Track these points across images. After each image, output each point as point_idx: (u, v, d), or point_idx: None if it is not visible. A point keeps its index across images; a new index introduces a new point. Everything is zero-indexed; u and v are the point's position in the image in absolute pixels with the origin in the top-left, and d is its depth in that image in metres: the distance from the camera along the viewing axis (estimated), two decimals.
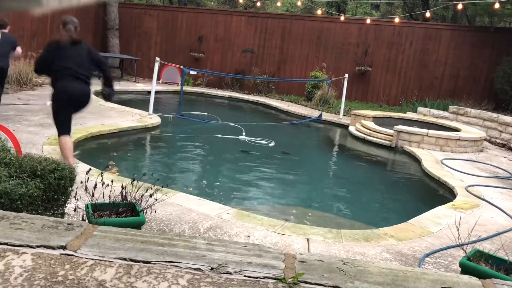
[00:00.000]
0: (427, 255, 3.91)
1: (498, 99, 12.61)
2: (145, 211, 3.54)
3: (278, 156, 8.02)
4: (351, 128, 10.61)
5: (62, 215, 3.47)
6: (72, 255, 1.36)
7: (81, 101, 5.18)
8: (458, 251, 3.91)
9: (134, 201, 3.55)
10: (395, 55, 14.49)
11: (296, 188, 6.40)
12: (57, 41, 5.13)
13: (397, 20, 14.08)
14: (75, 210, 3.68)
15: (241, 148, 8.19)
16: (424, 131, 9.09)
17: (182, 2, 22.44)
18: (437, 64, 14.10)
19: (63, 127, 4.99)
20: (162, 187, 3.83)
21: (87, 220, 3.35)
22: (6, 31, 7.38)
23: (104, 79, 5.51)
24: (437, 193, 6.53)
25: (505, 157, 9.05)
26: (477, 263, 3.25)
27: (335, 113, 12.61)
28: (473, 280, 1.42)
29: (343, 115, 12.21)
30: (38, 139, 6.22)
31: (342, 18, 15.33)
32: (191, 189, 5.56)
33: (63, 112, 5.02)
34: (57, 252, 1.36)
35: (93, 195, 3.45)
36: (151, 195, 3.57)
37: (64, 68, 4.87)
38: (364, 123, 10.23)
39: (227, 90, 15.44)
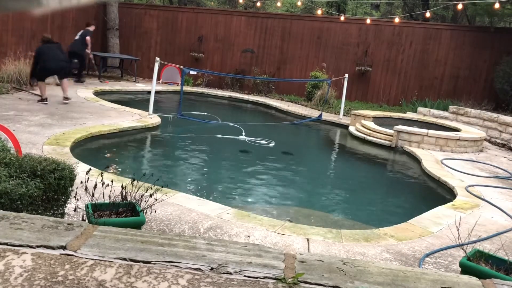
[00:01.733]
0: (427, 255, 3.91)
1: (498, 99, 12.60)
2: (145, 211, 3.54)
3: (278, 156, 8.02)
4: (351, 128, 10.61)
5: (62, 215, 3.47)
6: (72, 255, 1.36)
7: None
8: (458, 251, 3.91)
9: (134, 201, 3.55)
10: (395, 55, 14.49)
11: (296, 188, 6.40)
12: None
13: (397, 20, 14.07)
14: (75, 210, 3.68)
15: (241, 148, 8.18)
16: (424, 131, 9.09)
17: (182, 2, 22.44)
18: (437, 64, 14.10)
19: None
20: (162, 187, 3.81)
21: (87, 220, 3.35)
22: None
23: None
24: (437, 193, 6.53)
25: (505, 157, 9.05)
26: (477, 263, 3.25)
27: (335, 113, 12.61)
28: (473, 280, 1.42)
29: (343, 115, 12.20)
30: (38, 139, 6.22)
31: (342, 18, 15.33)
32: (191, 189, 5.56)
33: None
34: (57, 252, 1.36)
35: (93, 195, 3.44)
36: (151, 195, 3.57)
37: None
38: (364, 123, 10.23)
39: (227, 90, 15.43)
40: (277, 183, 6.44)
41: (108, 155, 6.55)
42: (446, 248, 4.07)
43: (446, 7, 17.74)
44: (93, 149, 6.87)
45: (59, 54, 9.68)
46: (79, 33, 13.05)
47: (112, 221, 3.30)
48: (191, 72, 14.24)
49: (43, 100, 9.40)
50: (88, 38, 12.93)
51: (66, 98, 9.50)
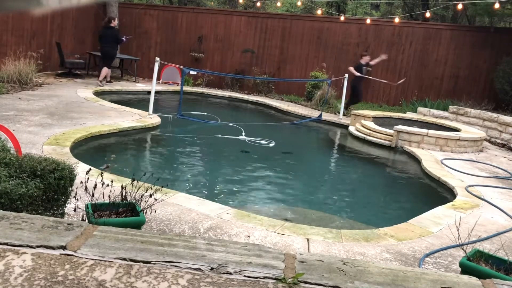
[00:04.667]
0: (427, 255, 3.91)
1: (498, 99, 12.59)
2: (145, 211, 3.53)
3: (278, 156, 8.01)
4: (351, 128, 10.61)
5: (62, 215, 3.47)
6: (72, 255, 1.36)
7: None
8: (458, 251, 3.91)
9: (134, 201, 3.55)
10: (395, 55, 14.49)
11: (296, 188, 6.40)
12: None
13: (397, 20, 14.07)
14: (75, 210, 3.69)
15: (241, 148, 8.17)
16: (424, 131, 9.09)
17: (182, 2, 22.44)
18: (437, 64, 14.10)
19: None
20: (162, 187, 3.80)
21: (87, 220, 3.35)
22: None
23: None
24: (437, 193, 6.53)
25: (505, 157, 9.05)
26: (477, 263, 3.26)
27: (335, 113, 12.61)
28: (473, 280, 1.42)
29: (343, 115, 12.20)
30: (38, 139, 6.22)
31: (342, 18, 15.33)
32: (191, 189, 5.55)
33: None
34: (57, 252, 1.36)
35: (93, 195, 3.44)
36: (151, 195, 3.57)
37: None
38: (364, 123, 10.23)
39: (227, 90, 15.39)
40: (277, 183, 6.43)
41: (111, 157, 6.55)
42: (446, 248, 4.07)
43: (446, 7, 17.75)
44: (93, 149, 6.85)
45: (108, 39, 12.30)
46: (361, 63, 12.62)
47: (112, 221, 3.31)
48: (191, 72, 14.26)
49: (108, 81, 12.76)
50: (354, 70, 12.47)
51: (100, 82, 12.25)
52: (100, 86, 12.14)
